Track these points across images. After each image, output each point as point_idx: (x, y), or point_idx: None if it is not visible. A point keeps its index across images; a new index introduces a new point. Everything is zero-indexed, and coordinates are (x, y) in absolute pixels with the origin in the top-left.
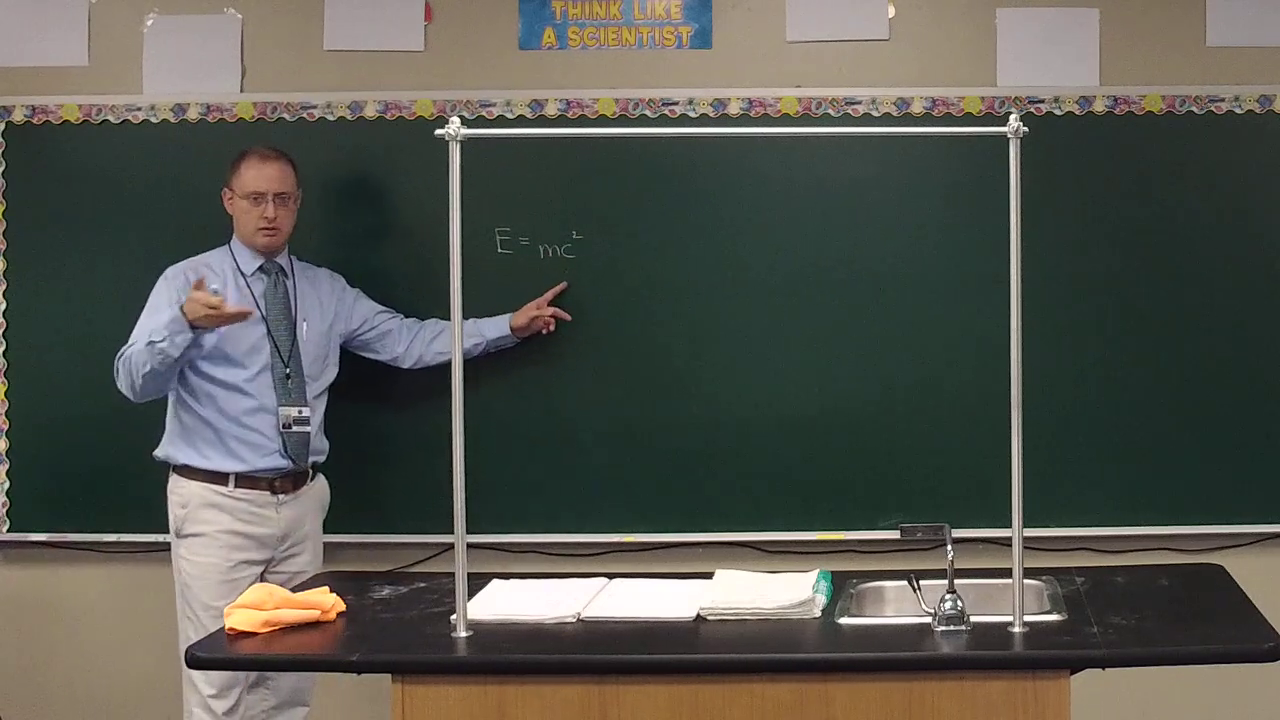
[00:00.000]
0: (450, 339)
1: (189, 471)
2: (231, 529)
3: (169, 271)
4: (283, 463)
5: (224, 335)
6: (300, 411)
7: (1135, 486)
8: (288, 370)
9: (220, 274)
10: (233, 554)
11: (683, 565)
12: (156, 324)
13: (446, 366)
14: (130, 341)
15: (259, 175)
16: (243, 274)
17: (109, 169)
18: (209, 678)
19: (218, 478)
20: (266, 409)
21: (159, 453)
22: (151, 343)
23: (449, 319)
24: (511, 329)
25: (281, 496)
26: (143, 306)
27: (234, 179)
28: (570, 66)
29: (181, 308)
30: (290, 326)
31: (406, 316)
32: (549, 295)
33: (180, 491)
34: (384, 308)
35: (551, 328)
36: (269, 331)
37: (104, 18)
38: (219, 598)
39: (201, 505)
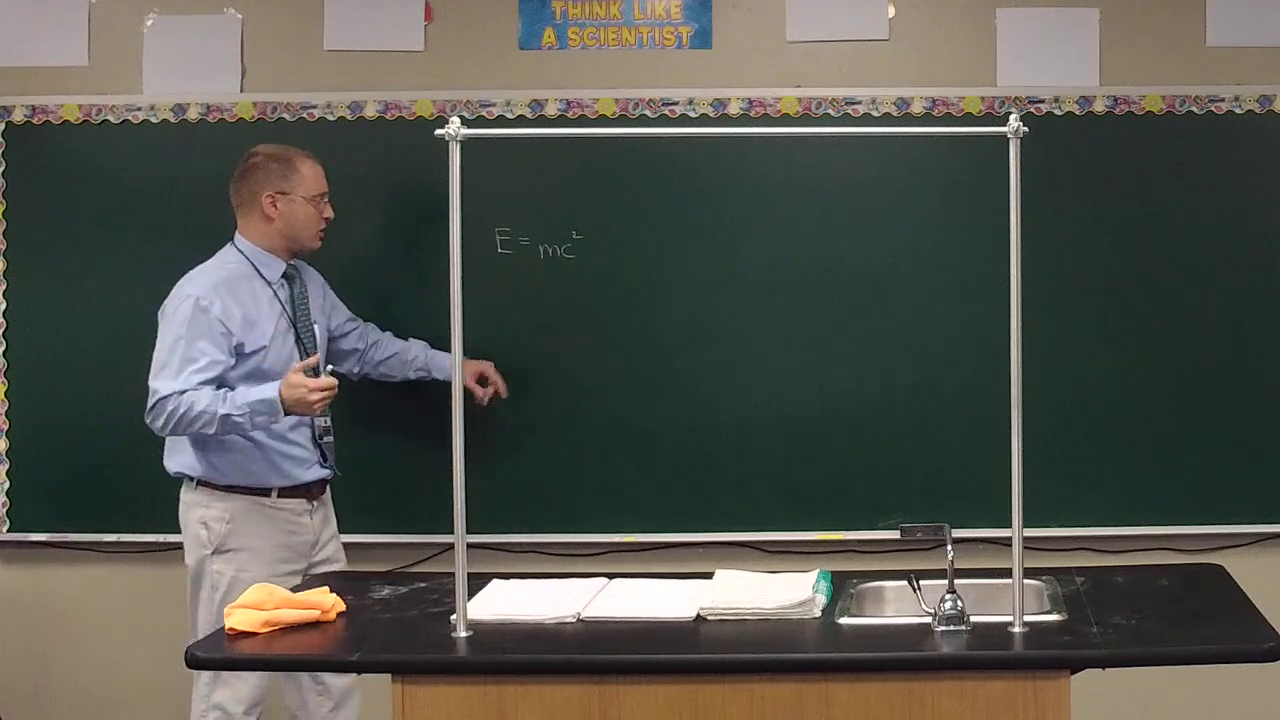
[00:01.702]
0: (397, 365)
1: (232, 487)
2: (276, 541)
3: (197, 295)
4: (324, 472)
5: (265, 353)
6: (327, 421)
7: (1135, 486)
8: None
9: (250, 289)
10: (279, 566)
11: (683, 565)
12: (235, 396)
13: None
14: (180, 387)
15: (318, 175)
16: (268, 283)
17: (109, 169)
18: (237, 694)
19: (261, 491)
20: (304, 422)
21: (177, 469)
22: (228, 415)
23: (434, 333)
24: None
25: (315, 503)
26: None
27: (286, 181)
28: (570, 66)
29: (280, 391)
30: (311, 332)
31: (365, 321)
32: (496, 376)
33: (219, 505)
34: (350, 315)
35: (485, 403)
36: (298, 339)
37: (104, 18)
38: None
39: (246, 519)
